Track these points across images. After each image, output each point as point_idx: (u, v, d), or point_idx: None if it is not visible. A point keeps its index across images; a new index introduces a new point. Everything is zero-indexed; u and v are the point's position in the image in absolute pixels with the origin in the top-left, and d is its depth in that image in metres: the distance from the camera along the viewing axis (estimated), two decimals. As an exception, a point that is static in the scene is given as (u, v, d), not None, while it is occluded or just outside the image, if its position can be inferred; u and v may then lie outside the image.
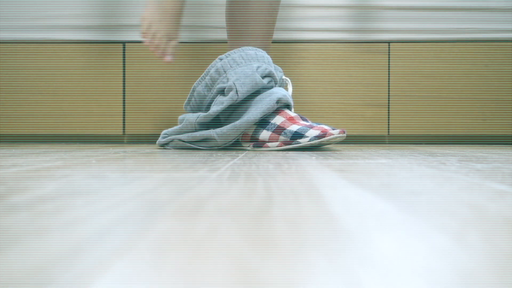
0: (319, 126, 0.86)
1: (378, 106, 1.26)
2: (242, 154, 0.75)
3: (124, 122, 1.28)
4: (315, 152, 0.81)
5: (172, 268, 0.15)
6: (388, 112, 1.26)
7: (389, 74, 1.27)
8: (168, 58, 1.04)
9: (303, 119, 0.90)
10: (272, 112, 0.89)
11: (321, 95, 1.27)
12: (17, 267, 0.15)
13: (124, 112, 1.28)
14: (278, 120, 0.88)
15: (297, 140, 0.84)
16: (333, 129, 0.84)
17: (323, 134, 0.82)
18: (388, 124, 1.26)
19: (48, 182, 0.36)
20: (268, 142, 0.88)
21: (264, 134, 0.88)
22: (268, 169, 0.48)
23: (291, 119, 0.88)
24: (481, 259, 0.16)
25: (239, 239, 0.19)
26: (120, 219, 0.22)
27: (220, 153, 0.80)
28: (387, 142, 1.28)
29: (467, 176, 0.42)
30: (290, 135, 0.85)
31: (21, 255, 0.17)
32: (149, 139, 1.28)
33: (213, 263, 0.16)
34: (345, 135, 0.84)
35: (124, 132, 1.28)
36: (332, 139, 0.82)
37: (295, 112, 0.99)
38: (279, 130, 0.87)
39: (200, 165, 0.54)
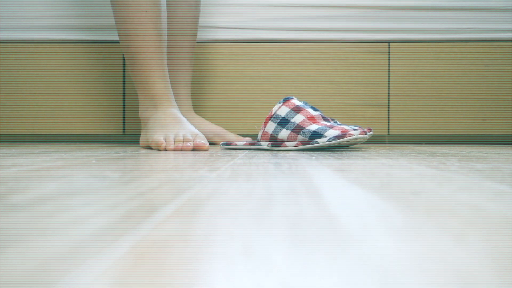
0: (339, 126, 0.84)
1: (378, 106, 1.26)
2: (242, 154, 0.75)
3: (124, 122, 1.28)
4: (315, 152, 0.81)
5: (171, 268, 0.15)
6: (388, 112, 1.26)
7: (389, 74, 1.27)
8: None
9: (325, 119, 0.88)
10: (293, 111, 0.88)
11: (321, 95, 1.27)
12: (17, 267, 0.15)
13: (124, 112, 1.28)
14: (298, 118, 0.86)
15: (316, 140, 0.83)
16: (355, 129, 0.82)
17: (343, 135, 0.80)
18: (388, 124, 1.26)
19: (48, 182, 0.36)
20: (287, 141, 0.87)
21: (283, 133, 0.87)
22: (268, 169, 0.48)
23: (312, 118, 0.86)
24: (481, 259, 0.16)
25: (239, 239, 0.19)
26: (120, 219, 0.22)
27: (220, 153, 0.80)
28: (387, 142, 1.28)
29: (467, 176, 0.42)
30: (309, 135, 0.83)
31: (21, 255, 0.17)
32: (149, 139, 1.28)
33: (212, 263, 0.16)
34: (367, 136, 0.82)
35: (124, 132, 1.28)
36: (352, 139, 0.80)
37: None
38: (298, 129, 0.85)
39: (200, 165, 0.54)
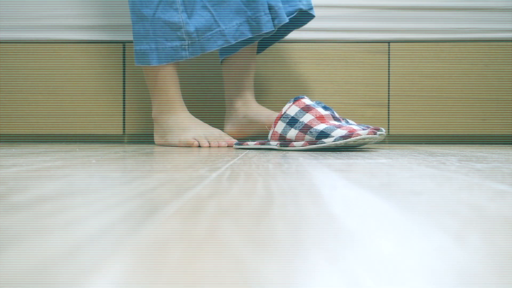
0: (347, 125, 0.83)
1: (378, 106, 1.26)
2: (242, 154, 0.75)
3: (124, 122, 1.28)
4: (316, 152, 0.81)
5: (172, 268, 0.15)
6: (388, 112, 1.26)
7: (389, 74, 1.27)
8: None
9: (336, 118, 0.87)
10: (302, 110, 0.87)
11: (321, 95, 1.27)
12: (17, 267, 0.15)
13: (124, 112, 1.28)
14: (306, 118, 0.85)
15: (322, 140, 0.81)
16: (364, 129, 0.80)
17: (350, 135, 0.79)
18: (388, 124, 1.26)
19: (48, 182, 0.36)
20: (294, 141, 0.86)
21: (291, 133, 0.86)
22: (268, 169, 0.48)
23: (321, 118, 0.85)
24: (481, 259, 0.16)
25: (239, 239, 0.19)
26: (120, 219, 0.22)
27: (220, 153, 0.80)
28: (387, 142, 1.28)
29: (467, 176, 0.42)
30: (316, 135, 0.82)
31: (21, 255, 0.17)
32: (149, 139, 1.28)
33: (213, 263, 0.16)
34: (377, 136, 0.81)
35: (124, 132, 1.28)
36: (360, 139, 0.79)
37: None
38: (306, 129, 0.84)
39: (200, 165, 0.54)
